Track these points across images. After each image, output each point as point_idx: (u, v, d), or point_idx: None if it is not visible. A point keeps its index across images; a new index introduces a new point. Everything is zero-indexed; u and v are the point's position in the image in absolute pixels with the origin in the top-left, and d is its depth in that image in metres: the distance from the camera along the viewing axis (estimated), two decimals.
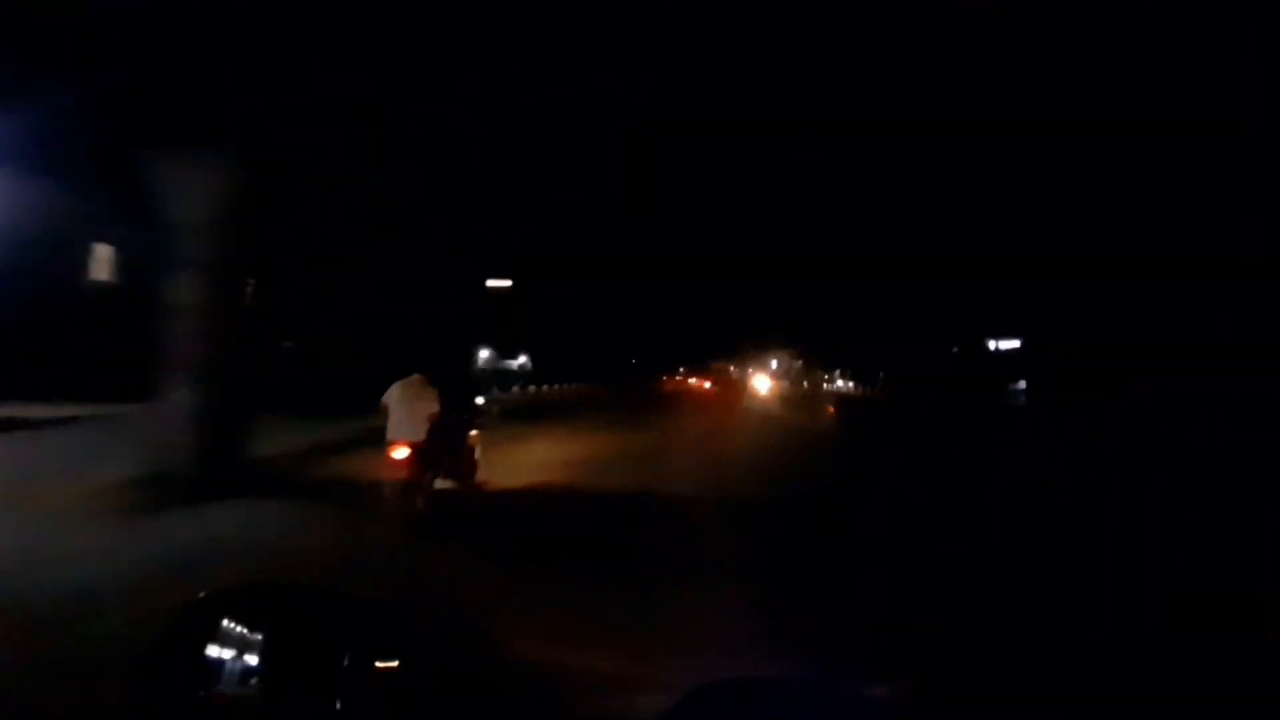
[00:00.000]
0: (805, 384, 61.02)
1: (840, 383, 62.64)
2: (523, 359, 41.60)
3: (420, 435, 7.65)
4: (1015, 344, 38.53)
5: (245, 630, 1.74)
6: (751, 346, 65.99)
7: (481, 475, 10.29)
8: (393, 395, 7.84)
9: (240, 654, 1.69)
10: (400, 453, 7.64)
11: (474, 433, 10.20)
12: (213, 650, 1.72)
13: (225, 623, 1.76)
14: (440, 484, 8.50)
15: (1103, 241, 25.29)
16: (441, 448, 8.21)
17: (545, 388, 36.87)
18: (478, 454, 10.20)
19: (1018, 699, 3.75)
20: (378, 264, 20.74)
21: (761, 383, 57.72)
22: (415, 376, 7.95)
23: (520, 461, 12.17)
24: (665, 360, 65.91)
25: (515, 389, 31.53)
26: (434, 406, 7.75)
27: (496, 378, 33.33)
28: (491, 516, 8.86)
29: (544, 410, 25.07)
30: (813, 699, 1.09)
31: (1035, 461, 15.03)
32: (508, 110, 14.81)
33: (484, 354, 36.88)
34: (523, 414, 21.27)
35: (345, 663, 1.81)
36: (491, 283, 35.39)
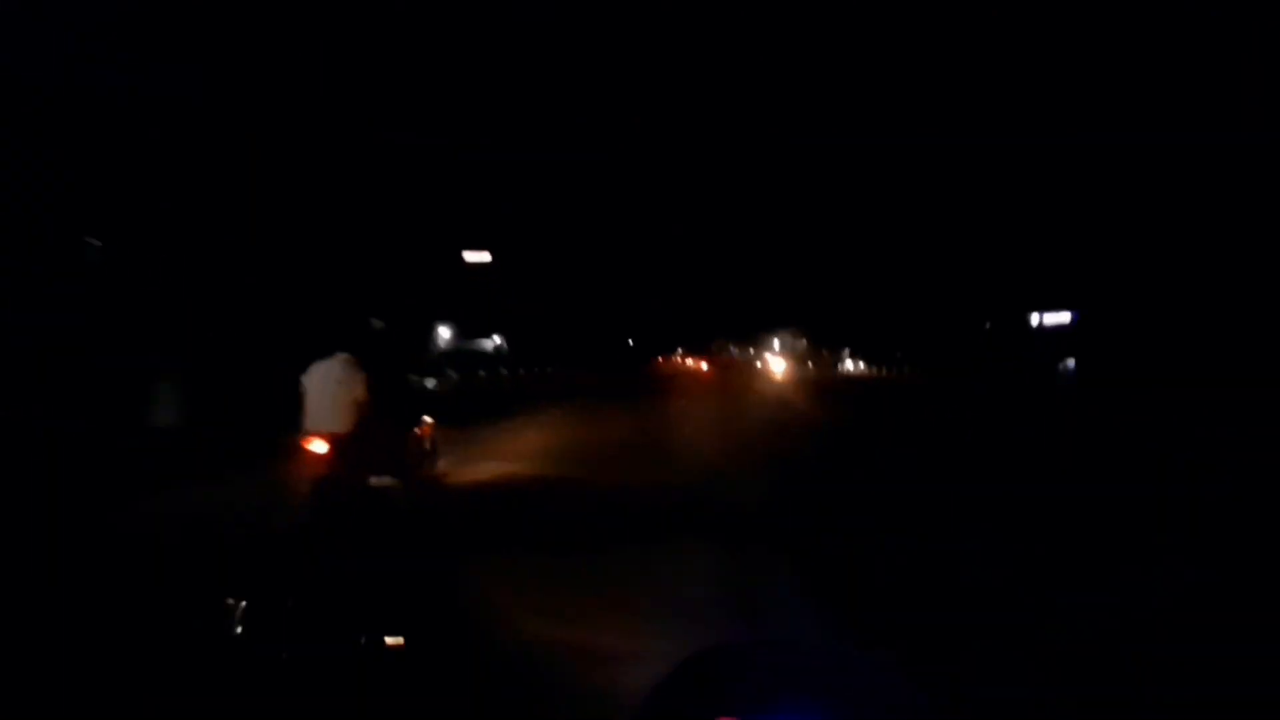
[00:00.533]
0: (810, 364, 60.02)
1: (849, 364, 60.15)
2: (497, 339, 37.84)
3: (343, 425, 6.66)
4: (1065, 318, 35.02)
5: None
6: (754, 327, 64.85)
7: (443, 467, 9.70)
8: (311, 378, 6.81)
9: None
10: (317, 446, 6.64)
11: (428, 420, 9.48)
12: None
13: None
14: (377, 481, 7.61)
15: (1186, 191, 23.61)
16: (375, 439, 7.18)
17: (512, 372, 33.90)
18: (429, 444, 9.42)
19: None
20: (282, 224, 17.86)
21: (776, 365, 53.05)
22: (339, 356, 6.88)
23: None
24: (664, 341, 65.05)
25: (451, 375, 27.67)
26: (359, 391, 6.75)
27: (458, 360, 30.21)
28: (429, 514, 8.05)
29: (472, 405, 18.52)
30: (809, 661, 1.06)
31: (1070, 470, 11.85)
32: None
33: (445, 333, 33.21)
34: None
35: (362, 641, 2.41)
36: (469, 255, 33.11)
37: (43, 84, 15.01)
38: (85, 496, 8.47)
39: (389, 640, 2.55)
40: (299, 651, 2.37)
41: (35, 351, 14.43)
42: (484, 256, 33.50)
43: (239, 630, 2.65)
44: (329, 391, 6.72)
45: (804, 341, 64.30)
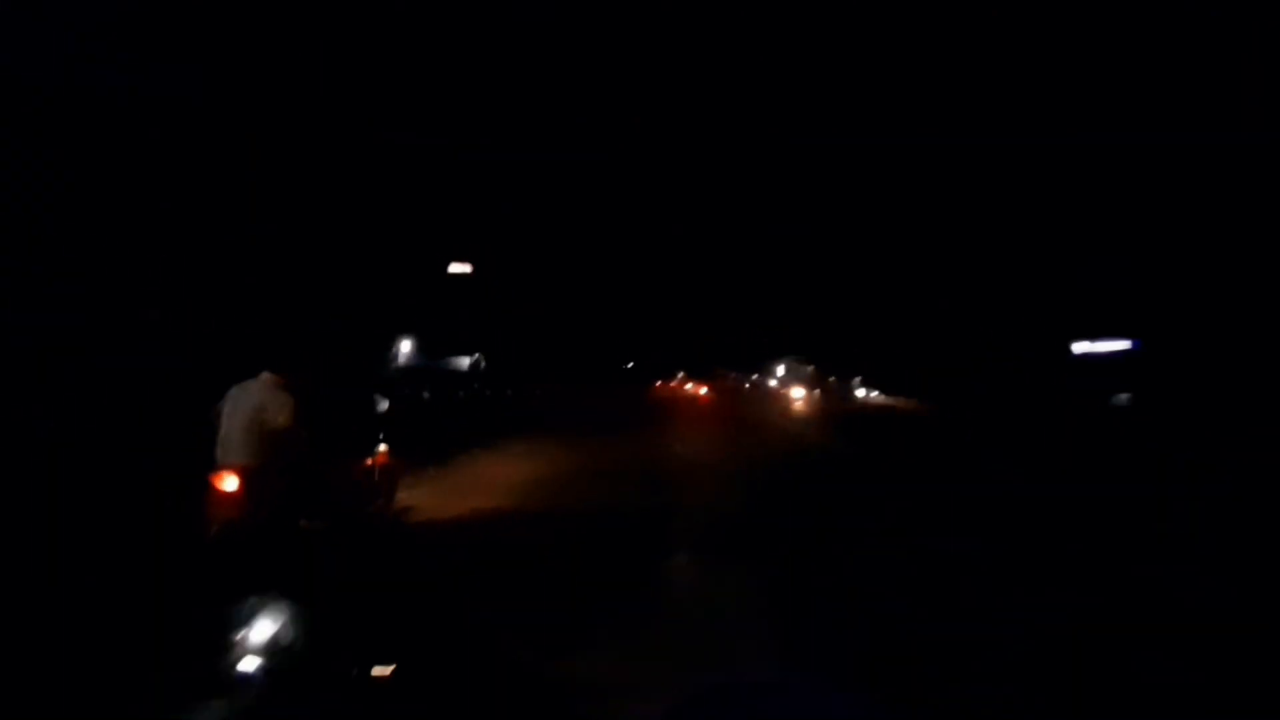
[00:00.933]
0: (817, 392, 55.28)
1: (861, 392, 54.91)
2: (475, 356, 35.18)
3: (259, 457, 5.81)
4: (1121, 346, 31.99)
5: None
6: (757, 353, 63.46)
7: (408, 502, 8.89)
8: (227, 402, 6.01)
9: None
10: (228, 483, 5.79)
11: (382, 449, 8.43)
12: None
13: None
14: (309, 523, 6.61)
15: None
16: (305, 473, 6.25)
17: (493, 393, 31.26)
18: (378, 477, 8.38)
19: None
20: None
21: (795, 391, 47.24)
22: (264, 375, 6.03)
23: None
24: (664, 365, 64.13)
25: (412, 396, 23.96)
26: (281, 417, 5.83)
27: (427, 379, 27.18)
28: (374, 559, 7.17)
29: None
30: (805, 702, 1.10)
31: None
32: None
33: (405, 348, 30.56)
34: None
35: (354, 673, 2.55)
36: (453, 268, 32.26)
37: (43, 84, 15.14)
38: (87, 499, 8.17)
39: (376, 671, 2.69)
40: (299, 683, 2.54)
41: (35, 351, 14.49)
42: (465, 268, 32.41)
43: (244, 668, 2.81)
44: (245, 417, 5.89)
45: (811, 368, 60.54)
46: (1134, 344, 31.28)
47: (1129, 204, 27.75)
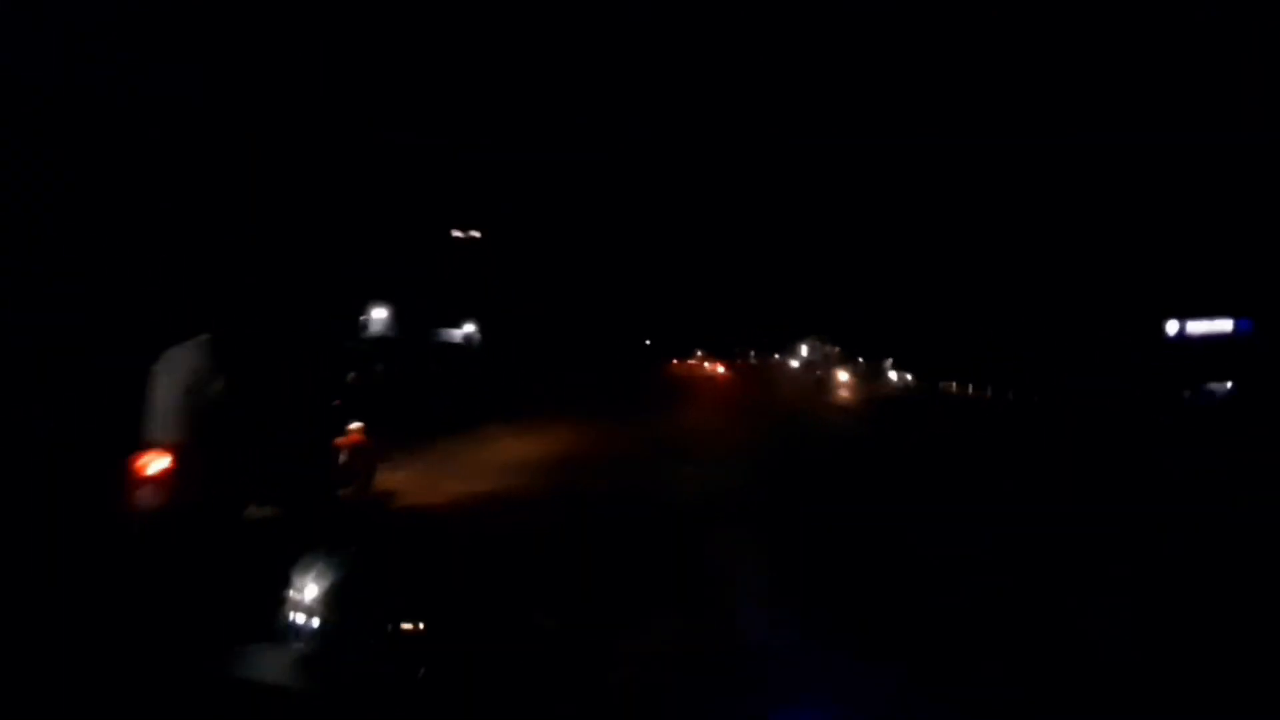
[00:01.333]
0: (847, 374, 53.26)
1: (894, 375, 50.89)
2: (469, 328, 32.05)
3: (193, 433, 4.87)
4: (1223, 327, 28.38)
5: None
6: (780, 332, 61.77)
7: (388, 484, 8.04)
8: (161, 368, 5.07)
9: None
10: (157, 463, 4.89)
11: (355, 426, 7.60)
12: None
13: None
14: (257, 511, 5.59)
15: None
16: (253, 451, 5.23)
17: (488, 368, 28.66)
18: (347, 457, 7.46)
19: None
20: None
21: (841, 375, 41.93)
22: (203, 338, 5.13)
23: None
24: (685, 344, 62.71)
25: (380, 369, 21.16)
26: (219, 384, 4.90)
27: (416, 351, 24.81)
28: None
29: None
30: (832, 670, 1.19)
31: None
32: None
33: (379, 316, 27.34)
34: None
35: (389, 629, 2.77)
36: (457, 233, 31.58)
37: (43, 84, 15.19)
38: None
39: (406, 625, 2.89)
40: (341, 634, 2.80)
41: (35, 351, 14.51)
42: (472, 234, 31.73)
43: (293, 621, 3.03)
44: (179, 386, 4.97)
45: (836, 350, 57.91)
46: (1241, 324, 27.62)
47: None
